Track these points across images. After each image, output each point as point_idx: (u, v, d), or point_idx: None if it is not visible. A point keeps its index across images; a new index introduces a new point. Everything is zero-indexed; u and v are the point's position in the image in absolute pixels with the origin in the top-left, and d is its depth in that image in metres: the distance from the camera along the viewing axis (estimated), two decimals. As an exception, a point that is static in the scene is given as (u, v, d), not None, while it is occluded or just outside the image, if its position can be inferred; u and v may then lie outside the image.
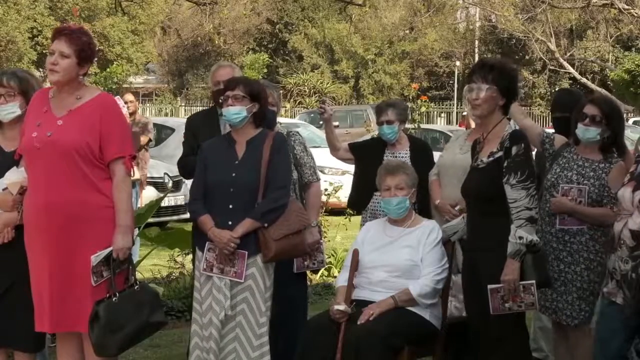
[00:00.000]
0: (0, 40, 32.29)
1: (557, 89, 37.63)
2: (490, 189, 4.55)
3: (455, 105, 38.24)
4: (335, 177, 12.23)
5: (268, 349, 4.75)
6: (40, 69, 30.25)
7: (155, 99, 42.55)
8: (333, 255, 9.13)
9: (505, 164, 4.52)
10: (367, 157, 6.07)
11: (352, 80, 41.79)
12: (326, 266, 8.12)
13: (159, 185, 12.30)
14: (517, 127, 4.70)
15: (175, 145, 13.05)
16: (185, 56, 43.21)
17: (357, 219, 6.55)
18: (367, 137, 10.40)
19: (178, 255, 8.07)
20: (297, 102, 38.72)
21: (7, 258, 4.56)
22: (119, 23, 34.99)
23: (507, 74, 4.67)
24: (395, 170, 5.21)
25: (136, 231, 4.88)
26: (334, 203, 9.97)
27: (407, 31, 42.15)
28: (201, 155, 4.93)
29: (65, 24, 16.38)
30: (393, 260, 5.02)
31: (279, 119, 6.08)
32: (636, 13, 24.93)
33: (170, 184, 12.50)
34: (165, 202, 10.98)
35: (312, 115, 26.50)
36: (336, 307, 4.88)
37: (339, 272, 7.23)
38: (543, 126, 30.17)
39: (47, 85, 4.75)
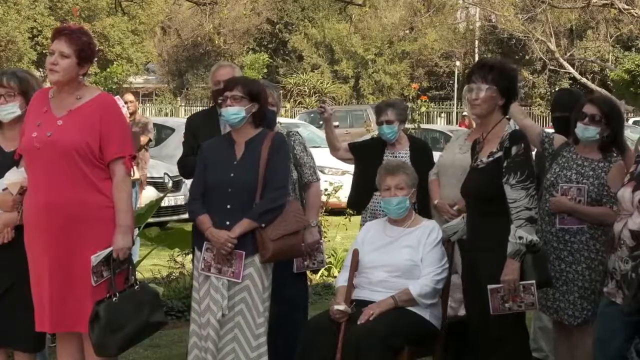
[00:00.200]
0: (0, 40, 32.29)
1: (557, 89, 37.70)
2: (490, 189, 4.55)
3: (455, 105, 38.24)
4: (335, 177, 12.22)
5: (266, 350, 4.75)
6: (40, 69, 30.26)
7: (155, 99, 42.56)
8: (333, 255, 9.13)
9: (504, 164, 4.52)
10: (367, 157, 6.07)
11: (352, 80, 41.80)
12: (326, 266, 8.12)
13: (159, 185, 12.30)
14: (517, 127, 4.70)
15: (175, 145, 13.05)
16: (185, 56, 43.22)
17: (357, 219, 6.55)
18: (367, 137, 10.42)
19: (178, 255, 8.07)
20: (297, 102, 38.73)
21: (7, 258, 4.56)
22: (119, 23, 34.99)
23: (506, 74, 4.67)
24: (395, 170, 5.21)
25: (136, 231, 4.88)
26: (334, 203, 9.97)
27: (407, 31, 42.16)
28: (201, 155, 4.93)
29: (65, 24, 16.38)
30: (393, 260, 5.02)
31: (279, 119, 6.08)
32: (636, 13, 24.93)
33: (170, 184, 12.50)
34: (165, 202, 10.99)
35: (312, 115, 26.50)
36: (336, 307, 4.88)
37: (339, 272, 7.23)
38: (543, 126, 30.16)
39: (47, 85, 4.75)
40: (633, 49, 35.80)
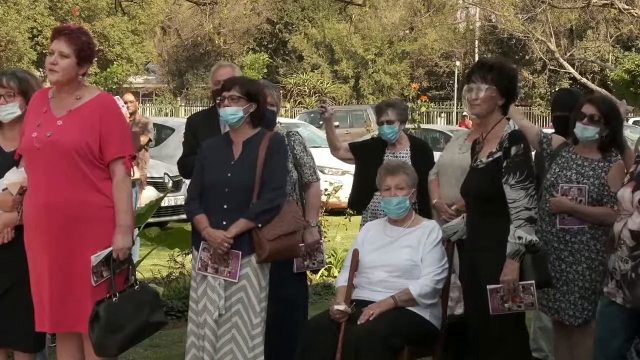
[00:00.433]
0: (0, 40, 32.30)
1: (557, 89, 37.71)
2: (490, 189, 4.55)
3: (455, 105, 38.24)
4: (335, 177, 12.23)
5: (262, 350, 4.75)
6: (40, 69, 30.25)
7: (155, 99, 42.57)
8: (333, 255, 9.13)
9: (504, 164, 4.52)
10: (367, 157, 6.07)
11: (352, 80, 41.80)
12: (326, 266, 8.12)
13: (159, 185, 12.30)
14: (517, 127, 4.69)
15: (175, 145, 13.05)
16: (185, 56, 43.23)
17: (357, 219, 6.55)
18: (367, 137, 10.42)
19: (178, 255, 8.07)
20: (297, 102, 38.73)
21: (7, 258, 4.56)
22: (119, 23, 35.00)
23: (506, 74, 4.66)
24: (396, 170, 5.21)
25: (136, 231, 4.88)
26: (334, 203, 9.97)
27: (407, 31, 42.17)
28: (200, 155, 4.93)
29: (65, 23, 16.39)
30: (393, 260, 5.02)
31: (279, 119, 6.08)
32: (636, 13, 24.93)
33: (170, 184, 12.50)
34: (165, 202, 10.99)
35: (312, 115, 26.51)
36: (336, 307, 4.88)
37: (339, 272, 7.23)
38: (543, 126, 30.16)
39: (47, 85, 4.75)
40: (633, 49, 35.81)
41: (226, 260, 4.70)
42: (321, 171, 6.54)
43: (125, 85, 34.63)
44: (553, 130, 5.82)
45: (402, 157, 6.00)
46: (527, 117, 34.02)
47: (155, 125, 12.31)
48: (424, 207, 5.65)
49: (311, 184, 5.58)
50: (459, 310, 5.09)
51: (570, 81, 36.59)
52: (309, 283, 7.42)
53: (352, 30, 41.00)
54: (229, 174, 4.75)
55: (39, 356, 4.88)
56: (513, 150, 4.52)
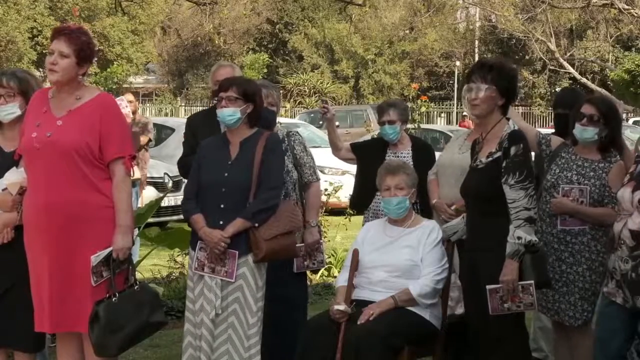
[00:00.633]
0: (0, 40, 32.29)
1: (556, 89, 37.70)
2: (490, 189, 4.55)
3: (455, 105, 38.24)
4: (335, 177, 12.23)
5: (258, 350, 4.75)
6: (40, 69, 30.24)
7: (155, 99, 42.56)
8: (333, 255, 9.13)
9: (504, 164, 4.52)
10: (369, 157, 6.06)
11: (352, 80, 41.80)
12: (326, 266, 8.12)
13: (159, 185, 12.30)
14: (517, 127, 4.69)
15: (175, 145, 13.05)
16: (185, 56, 43.22)
17: (357, 219, 6.55)
18: (367, 137, 10.42)
19: (178, 255, 8.07)
20: (297, 102, 38.72)
21: (7, 258, 4.55)
22: (119, 23, 35.00)
23: (506, 73, 4.66)
24: (396, 170, 5.21)
25: (136, 231, 4.88)
26: (334, 203, 9.97)
27: (407, 31, 42.16)
28: (197, 155, 4.95)
29: (65, 23, 16.39)
30: (393, 260, 5.02)
31: (279, 119, 6.08)
32: (636, 13, 24.93)
33: (170, 184, 12.50)
34: (165, 202, 10.98)
35: (312, 115, 26.50)
36: (336, 307, 4.88)
37: (339, 272, 7.23)
38: (543, 126, 30.14)
39: (47, 85, 4.75)
40: (633, 49, 35.81)
41: (223, 260, 4.70)
42: (321, 171, 6.54)
43: (125, 85, 34.64)
44: (552, 131, 5.82)
45: (404, 157, 5.99)
46: (527, 117, 34.11)
47: (155, 125, 12.31)
48: (425, 207, 5.65)
49: (311, 184, 5.58)
50: (460, 310, 5.09)
51: (570, 81, 36.58)
52: (309, 283, 7.42)
53: (352, 30, 41.00)
54: (226, 174, 4.75)
55: (39, 356, 4.88)
56: (512, 150, 4.51)
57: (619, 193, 4.55)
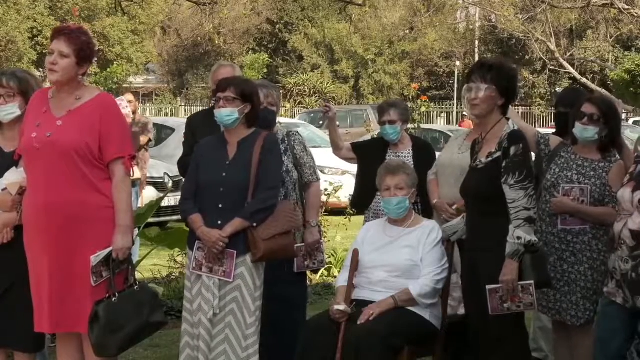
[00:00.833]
0: (0, 40, 32.29)
1: (558, 89, 37.72)
2: (489, 189, 4.55)
3: (455, 105, 38.24)
4: (335, 177, 12.23)
5: (256, 350, 4.75)
6: (40, 69, 30.25)
7: (155, 99, 42.56)
8: (333, 255, 9.12)
9: (503, 164, 4.51)
10: (369, 157, 6.06)
11: (352, 80, 41.80)
12: (326, 266, 8.12)
13: (159, 185, 12.30)
14: (516, 127, 4.68)
15: (175, 145, 13.05)
16: (185, 56, 43.22)
17: (357, 219, 6.55)
18: (367, 137, 10.42)
19: (178, 255, 8.07)
20: (297, 102, 38.71)
21: (7, 259, 4.56)
22: (119, 23, 35.00)
23: (506, 73, 4.66)
24: (396, 170, 5.21)
25: (136, 231, 4.88)
26: (334, 203, 9.97)
27: (407, 31, 42.16)
28: (195, 155, 4.95)
29: (65, 23, 16.38)
30: (393, 260, 5.02)
31: (279, 119, 6.08)
32: (636, 13, 24.94)
33: (170, 184, 12.49)
34: (165, 202, 10.98)
35: (312, 115, 26.49)
36: (336, 307, 4.88)
37: (339, 272, 7.23)
38: (543, 126, 30.13)
39: (47, 85, 4.75)
40: (633, 49, 35.80)
41: (221, 260, 4.71)
42: (321, 171, 6.54)
43: (125, 85, 34.64)
44: (552, 131, 5.82)
45: (405, 157, 5.99)
46: (527, 117, 34.12)
47: (155, 125, 12.31)
48: (426, 207, 5.65)
49: (311, 183, 5.58)
50: (462, 310, 5.09)
51: (570, 81, 36.58)
52: (308, 283, 7.42)
53: (352, 30, 40.99)
54: (224, 174, 4.76)
55: (39, 356, 4.88)
56: (512, 150, 4.51)
57: (619, 193, 4.55)
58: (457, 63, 40.77)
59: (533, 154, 5.07)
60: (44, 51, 29.46)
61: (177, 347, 6.29)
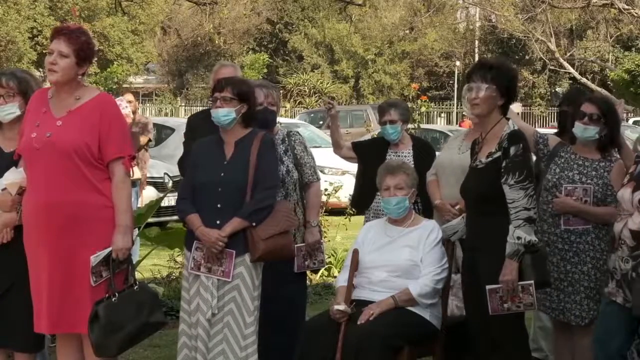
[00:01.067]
0: (0, 40, 32.29)
1: (558, 88, 37.70)
2: (489, 189, 4.55)
3: (455, 105, 38.23)
4: (335, 177, 12.23)
5: (255, 349, 4.75)
6: (40, 69, 30.23)
7: (155, 99, 42.54)
8: (333, 255, 9.12)
9: (503, 164, 4.51)
10: (370, 157, 6.05)
11: (352, 80, 41.79)
12: (326, 266, 8.12)
13: (159, 185, 12.30)
14: (516, 127, 4.68)
15: (175, 145, 13.05)
16: (185, 56, 43.20)
17: (357, 219, 6.55)
18: (367, 137, 10.42)
19: (178, 255, 8.06)
20: (297, 102, 38.70)
21: (6, 259, 4.56)
22: (119, 23, 34.99)
23: (506, 73, 4.66)
24: (396, 170, 5.21)
25: (136, 231, 4.88)
26: (334, 203, 9.97)
27: (407, 31, 42.14)
28: (191, 155, 4.96)
29: (65, 23, 16.38)
30: (393, 259, 5.02)
31: (279, 119, 6.08)
32: (636, 13, 24.95)
33: (170, 184, 12.49)
34: (165, 202, 10.97)
35: (312, 115, 26.49)
36: (336, 307, 4.88)
37: (339, 272, 7.23)
38: (543, 126, 30.11)
39: (47, 85, 4.75)
40: (633, 49, 35.79)
41: (220, 260, 4.71)
42: (321, 171, 6.54)
43: (125, 85, 34.62)
44: (554, 131, 5.82)
45: (405, 156, 5.99)
46: (527, 117, 34.11)
47: (155, 125, 12.30)
48: (425, 206, 5.65)
49: (312, 183, 5.58)
50: None
51: (570, 81, 36.59)
52: (308, 283, 7.42)
53: (352, 30, 40.99)
54: (222, 174, 4.76)
55: (39, 356, 4.88)
56: (512, 150, 4.51)
57: (619, 193, 4.55)
58: (457, 63, 40.76)
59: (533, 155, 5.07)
60: (44, 51, 29.43)
61: (177, 347, 6.31)
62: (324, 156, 10.79)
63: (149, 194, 11.18)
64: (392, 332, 4.69)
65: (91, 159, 4.42)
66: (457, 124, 32.24)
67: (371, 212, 5.98)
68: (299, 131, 5.91)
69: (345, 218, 9.17)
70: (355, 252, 5.13)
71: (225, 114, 4.79)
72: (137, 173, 9.48)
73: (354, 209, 7.40)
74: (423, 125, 12.67)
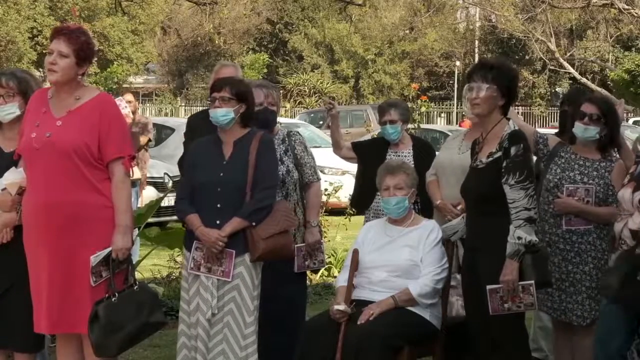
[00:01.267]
0: (0, 40, 32.29)
1: (558, 89, 37.68)
2: (490, 189, 4.55)
3: (455, 105, 38.24)
4: (335, 177, 12.23)
5: (255, 349, 4.75)
6: (40, 69, 30.22)
7: (155, 99, 42.54)
8: (333, 255, 9.12)
9: (504, 164, 4.51)
10: (370, 157, 6.05)
11: (352, 80, 41.78)
12: (326, 266, 8.12)
13: (159, 185, 12.30)
14: (517, 128, 4.68)
15: (175, 145, 13.05)
16: (185, 56, 43.19)
17: (357, 219, 6.55)
18: (367, 137, 10.42)
19: (178, 255, 8.06)
20: (297, 102, 38.70)
21: (6, 259, 4.55)
22: (119, 23, 34.99)
23: (507, 73, 4.66)
24: (396, 170, 5.21)
25: (136, 231, 4.88)
26: (334, 203, 9.97)
27: (407, 31, 42.14)
28: (190, 155, 4.97)
29: (65, 23, 16.38)
30: (393, 259, 5.02)
31: (279, 119, 6.08)
32: (636, 13, 24.95)
33: (170, 184, 12.48)
34: (165, 202, 10.96)
35: (312, 115, 26.50)
36: (336, 307, 4.88)
37: (339, 272, 7.23)
38: (543, 126, 30.13)
39: (47, 85, 4.75)
40: (633, 49, 35.79)
41: (220, 260, 4.71)
42: (321, 171, 6.54)
43: (125, 85, 34.62)
44: (554, 131, 5.81)
45: (405, 156, 5.99)
46: (527, 117, 34.12)
47: (155, 125, 12.30)
48: (425, 206, 5.65)
49: (312, 183, 5.58)
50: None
51: (570, 81, 36.58)
52: (308, 283, 7.42)
53: (352, 30, 40.98)
54: (221, 174, 4.76)
55: (39, 356, 4.88)
56: (513, 150, 4.51)
57: (619, 193, 4.55)
58: (457, 63, 40.76)
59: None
60: (44, 51, 29.43)
61: (176, 348, 6.30)
62: (324, 156, 10.79)
63: (149, 194, 11.18)
64: (392, 332, 4.69)
65: (91, 159, 4.42)
66: (457, 124, 32.24)
67: (371, 212, 5.98)
68: (299, 131, 5.91)
69: (345, 218, 9.17)
70: (355, 252, 5.13)
71: (223, 114, 4.80)
72: (137, 173, 9.48)
73: (354, 209, 7.40)
74: (423, 125, 12.67)
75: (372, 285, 5.01)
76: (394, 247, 5.08)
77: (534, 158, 5.10)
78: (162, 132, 15.09)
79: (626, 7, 24.28)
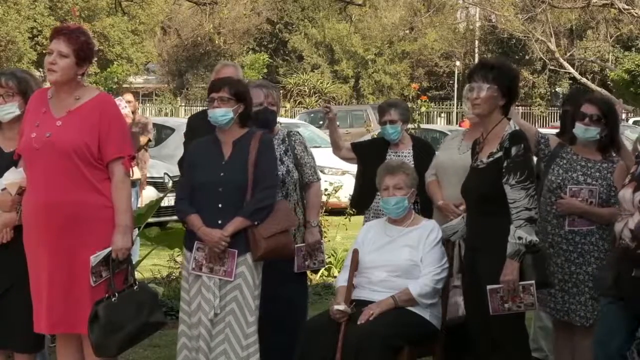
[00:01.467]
0: (0, 40, 32.28)
1: (558, 89, 37.67)
2: (490, 189, 4.55)
3: (455, 105, 38.23)
4: (335, 177, 12.22)
5: (257, 348, 4.75)
6: (40, 69, 30.19)
7: (155, 99, 42.54)
8: (333, 255, 9.12)
9: (504, 164, 4.51)
10: (370, 157, 6.05)
11: (352, 80, 41.78)
12: (326, 266, 8.12)
13: (159, 185, 12.29)
14: (517, 128, 4.68)
15: (175, 145, 13.05)
16: (185, 56, 43.19)
17: (357, 219, 6.54)
18: (367, 137, 10.42)
19: (178, 255, 8.05)
20: (297, 102, 38.70)
21: (6, 259, 4.55)
22: (119, 23, 34.99)
23: (507, 73, 4.66)
24: (395, 170, 5.21)
25: (136, 231, 4.88)
26: (334, 203, 9.97)
27: (407, 31, 42.14)
28: (189, 156, 4.96)
29: (65, 23, 16.38)
30: (393, 259, 5.02)
31: (279, 119, 6.08)
32: (636, 13, 24.95)
33: (170, 184, 12.48)
34: (165, 202, 10.96)
35: (312, 115, 26.49)
36: (336, 307, 4.88)
37: (339, 272, 7.22)
38: (543, 126, 30.11)
39: (47, 85, 4.75)
40: (633, 49, 35.80)
41: (222, 259, 4.71)
42: (321, 171, 6.53)
43: (125, 85, 34.62)
44: (554, 131, 5.81)
45: (405, 156, 5.98)
46: (527, 117, 34.11)
47: (155, 125, 12.30)
48: (424, 206, 5.65)
49: (312, 183, 5.58)
50: None
51: (570, 81, 36.59)
52: (308, 283, 7.42)
53: (352, 30, 40.98)
54: (222, 174, 4.76)
55: (39, 356, 4.88)
56: (513, 150, 4.51)
57: (620, 193, 4.55)
58: (457, 63, 40.76)
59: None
60: (44, 51, 29.41)
61: (177, 348, 6.30)
62: (324, 156, 10.77)
63: (149, 194, 11.18)
64: (392, 332, 4.69)
65: (91, 159, 4.42)
66: (457, 124, 32.24)
67: (371, 212, 5.97)
68: (299, 131, 5.91)
69: (345, 218, 9.17)
70: (355, 252, 5.13)
71: (222, 114, 4.80)
72: (137, 173, 9.47)
73: (354, 209, 7.40)
74: (423, 125, 12.67)
75: (372, 285, 5.01)
76: (394, 247, 5.08)
77: (535, 158, 5.10)
78: (162, 132, 15.09)
79: (626, 7, 24.29)
